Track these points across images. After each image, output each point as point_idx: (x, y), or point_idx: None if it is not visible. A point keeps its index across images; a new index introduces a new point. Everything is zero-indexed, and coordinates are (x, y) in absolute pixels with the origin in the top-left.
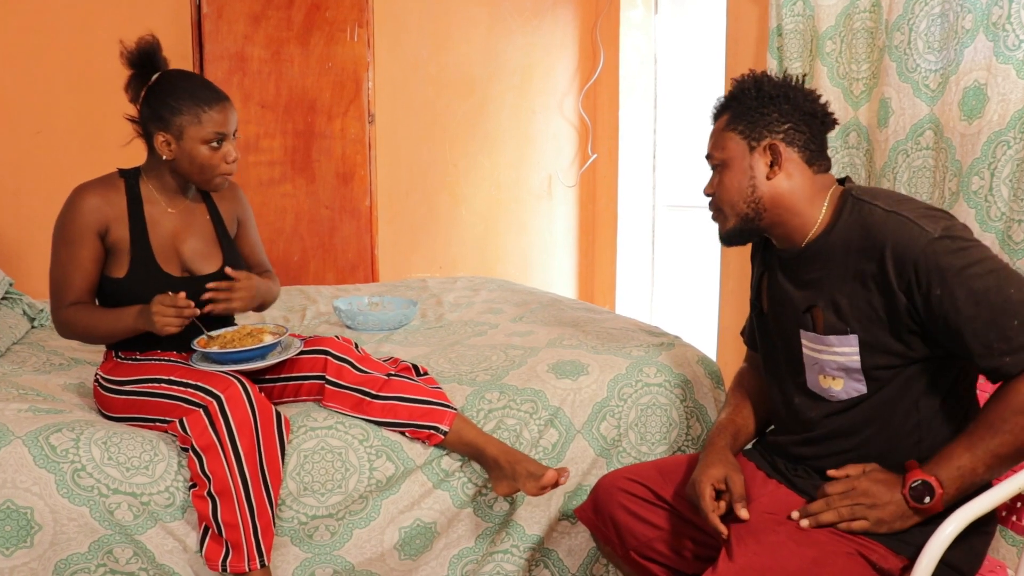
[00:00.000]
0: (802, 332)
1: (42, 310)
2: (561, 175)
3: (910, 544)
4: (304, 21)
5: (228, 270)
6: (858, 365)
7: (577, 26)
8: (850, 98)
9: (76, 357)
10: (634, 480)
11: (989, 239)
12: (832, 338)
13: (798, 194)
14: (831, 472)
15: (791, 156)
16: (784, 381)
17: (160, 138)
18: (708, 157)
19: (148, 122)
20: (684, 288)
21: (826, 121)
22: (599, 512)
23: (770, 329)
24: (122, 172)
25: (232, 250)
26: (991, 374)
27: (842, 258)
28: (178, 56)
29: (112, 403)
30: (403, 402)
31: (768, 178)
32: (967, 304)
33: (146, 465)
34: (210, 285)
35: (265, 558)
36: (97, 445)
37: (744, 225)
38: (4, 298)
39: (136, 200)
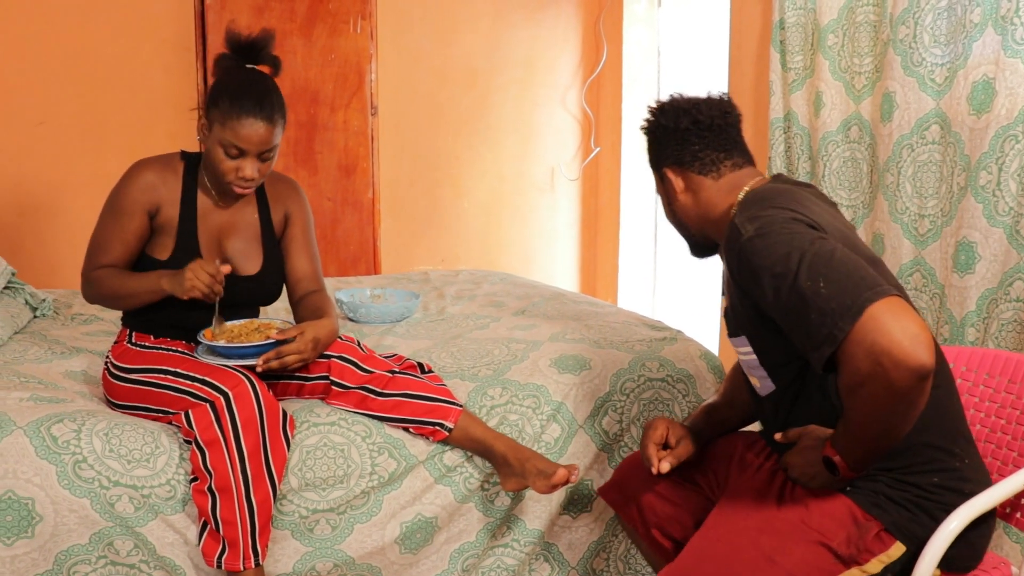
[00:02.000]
0: None
1: (44, 300)
2: (564, 168)
3: (907, 533)
4: (307, 13)
5: (279, 335)
6: (758, 363)
7: (580, 19)
8: (852, 92)
9: (78, 346)
10: None
11: (997, 234)
12: (735, 339)
13: (704, 205)
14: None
15: (685, 175)
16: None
17: (201, 119)
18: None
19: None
20: (687, 282)
21: (700, 125)
22: (623, 490)
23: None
24: (184, 155)
25: (274, 254)
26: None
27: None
28: (181, 48)
29: (117, 390)
30: (408, 399)
31: (677, 199)
32: (774, 304)
33: (147, 458)
34: (262, 358)
35: (260, 557)
36: (98, 436)
37: (689, 241)
38: (6, 288)
39: (191, 186)
